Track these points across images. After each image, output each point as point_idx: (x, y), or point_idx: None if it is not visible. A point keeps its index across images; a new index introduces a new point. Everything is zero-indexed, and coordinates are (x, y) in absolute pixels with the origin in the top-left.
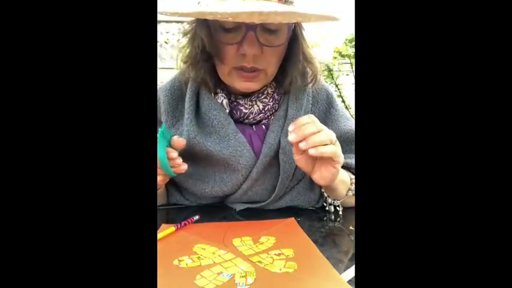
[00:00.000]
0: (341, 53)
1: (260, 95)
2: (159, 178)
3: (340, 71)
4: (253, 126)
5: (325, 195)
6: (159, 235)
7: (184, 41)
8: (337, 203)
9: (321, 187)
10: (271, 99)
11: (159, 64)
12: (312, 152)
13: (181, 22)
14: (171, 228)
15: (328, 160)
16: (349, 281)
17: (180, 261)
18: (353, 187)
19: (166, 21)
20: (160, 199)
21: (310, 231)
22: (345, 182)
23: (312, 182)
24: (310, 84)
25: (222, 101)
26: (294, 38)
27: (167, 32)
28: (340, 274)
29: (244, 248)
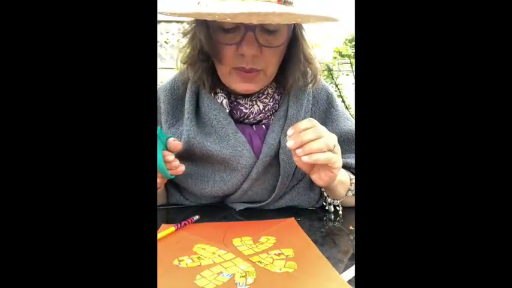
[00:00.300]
0: (341, 53)
1: (260, 95)
2: (157, 180)
3: (340, 71)
4: (254, 126)
5: (325, 194)
6: (159, 235)
7: (185, 41)
8: (336, 202)
9: (320, 187)
10: (271, 99)
11: (159, 64)
12: (305, 159)
13: (181, 22)
14: (171, 228)
15: (324, 165)
16: (349, 281)
17: (180, 261)
18: (353, 187)
19: (166, 21)
20: (160, 199)
21: (310, 231)
22: (344, 182)
23: (312, 182)
24: (310, 85)
25: (222, 101)
26: (294, 38)
27: (167, 32)
28: (340, 274)
29: (244, 248)
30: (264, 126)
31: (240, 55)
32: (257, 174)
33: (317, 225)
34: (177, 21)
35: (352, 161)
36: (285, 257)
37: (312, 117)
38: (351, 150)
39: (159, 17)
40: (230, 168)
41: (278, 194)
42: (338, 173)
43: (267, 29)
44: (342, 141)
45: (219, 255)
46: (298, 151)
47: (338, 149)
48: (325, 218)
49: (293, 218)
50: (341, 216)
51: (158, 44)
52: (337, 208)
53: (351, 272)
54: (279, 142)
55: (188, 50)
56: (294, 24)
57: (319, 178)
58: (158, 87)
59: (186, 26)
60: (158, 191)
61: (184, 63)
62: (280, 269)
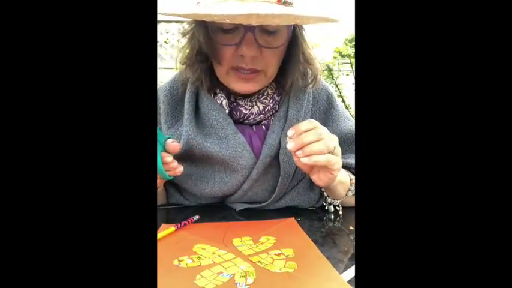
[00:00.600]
0: (341, 53)
1: (260, 95)
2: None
3: (340, 71)
4: (253, 127)
5: (325, 194)
6: (159, 235)
7: (184, 41)
8: (336, 202)
9: (320, 187)
10: (271, 100)
11: (159, 64)
12: (304, 161)
13: (181, 22)
14: (171, 228)
15: (324, 166)
16: (349, 281)
17: (180, 261)
18: (352, 187)
19: (166, 21)
20: (160, 199)
21: (310, 231)
22: (344, 183)
23: (312, 182)
24: (311, 85)
25: (222, 101)
26: (294, 38)
27: (167, 32)
28: (340, 274)
29: (244, 248)
30: (264, 126)
31: (239, 56)
32: (257, 175)
33: (317, 225)
34: (177, 21)
35: (352, 161)
36: (285, 257)
37: (312, 117)
38: (351, 150)
39: (159, 17)
40: (230, 169)
41: (278, 194)
42: (338, 174)
43: (266, 30)
44: (342, 141)
45: (219, 255)
46: (298, 153)
47: (338, 150)
48: (325, 218)
49: (293, 218)
50: (341, 216)
51: (158, 44)
52: (337, 208)
53: (351, 272)
54: (279, 143)
55: (187, 51)
56: (293, 24)
57: (318, 179)
58: (158, 87)
59: (186, 26)
60: (157, 191)
61: (183, 64)
62: (280, 269)
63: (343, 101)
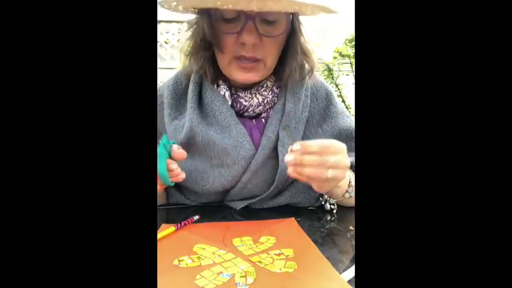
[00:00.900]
0: (341, 53)
1: (259, 88)
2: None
3: (340, 71)
4: (253, 120)
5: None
6: (159, 235)
7: (184, 38)
8: (332, 201)
9: None
10: (270, 92)
11: (159, 64)
12: (292, 175)
13: (181, 22)
14: (171, 228)
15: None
16: (349, 281)
17: (180, 261)
18: (350, 189)
19: (167, 21)
20: (159, 200)
21: (310, 231)
22: (341, 185)
23: None
24: (310, 81)
25: (225, 93)
26: (292, 32)
27: (167, 32)
28: (340, 274)
29: (244, 248)
30: (263, 120)
31: (240, 44)
32: (256, 166)
33: (317, 225)
34: (177, 21)
35: (352, 159)
36: (285, 257)
37: (311, 113)
38: (350, 147)
39: (159, 17)
40: (229, 160)
41: (277, 186)
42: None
43: (266, 20)
44: (341, 138)
45: (219, 255)
46: (289, 171)
47: (344, 163)
48: (325, 218)
49: (293, 218)
50: (335, 215)
51: (158, 44)
52: (332, 207)
53: (351, 272)
54: (277, 135)
55: (192, 41)
56: (292, 17)
57: (318, 187)
58: (160, 85)
59: (186, 26)
60: (157, 193)
61: (187, 55)
62: (280, 269)
63: (343, 101)
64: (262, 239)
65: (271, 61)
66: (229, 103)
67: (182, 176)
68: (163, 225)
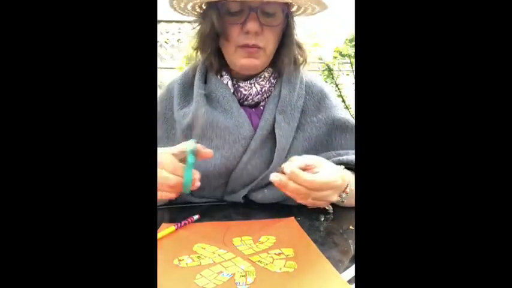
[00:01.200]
0: (341, 52)
1: (258, 78)
2: (171, 195)
3: (340, 70)
4: (253, 108)
5: None
6: (159, 235)
7: (185, 37)
8: (329, 207)
9: None
10: (267, 82)
11: (159, 64)
12: (273, 180)
13: (182, 22)
14: (171, 227)
15: None
16: (349, 281)
17: (180, 260)
18: (344, 195)
19: (167, 21)
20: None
21: (310, 231)
22: (338, 189)
23: None
24: (306, 77)
25: (227, 82)
26: (287, 27)
27: (167, 32)
28: (340, 274)
29: (244, 247)
30: (262, 107)
31: (244, 33)
32: (255, 147)
33: (317, 225)
34: (177, 21)
35: (349, 157)
36: (285, 257)
37: (306, 104)
38: (345, 138)
39: (159, 17)
40: (231, 140)
41: (275, 165)
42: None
43: (266, 12)
44: (335, 128)
45: (219, 255)
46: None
47: (321, 193)
48: (325, 218)
49: (293, 217)
50: (331, 215)
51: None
52: (326, 208)
53: (351, 272)
54: (274, 118)
55: (200, 34)
56: (287, 13)
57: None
58: (170, 81)
59: (186, 26)
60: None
61: (195, 49)
62: (280, 269)
63: (343, 101)
64: (262, 238)
65: (270, 48)
66: (232, 91)
67: (198, 184)
68: (163, 225)
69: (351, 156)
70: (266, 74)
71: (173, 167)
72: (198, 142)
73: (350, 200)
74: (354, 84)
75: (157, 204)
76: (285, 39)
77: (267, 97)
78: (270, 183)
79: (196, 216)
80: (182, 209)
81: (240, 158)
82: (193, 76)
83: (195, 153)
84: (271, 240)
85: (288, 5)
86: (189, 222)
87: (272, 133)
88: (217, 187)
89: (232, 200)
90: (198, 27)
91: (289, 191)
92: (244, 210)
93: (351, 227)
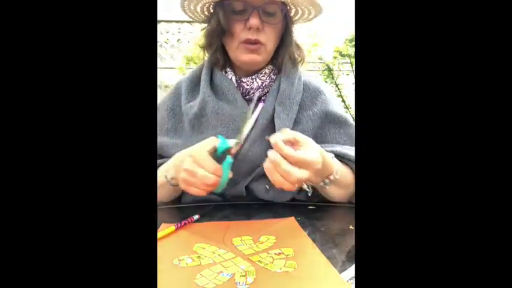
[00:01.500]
0: (341, 52)
1: (259, 74)
2: (203, 193)
3: (340, 70)
4: None
5: None
6: (159, 235)
7: (184, 37)
8: (308, 185)
9: None
10: (268, 78)
11: (159, 64)
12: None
13: (182, 22)
14: (171, 227)
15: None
16: (349, 281)
17: (180, 260)
18: (327, 181)
19: (167, 21)
20: (174, 194)
21: (310, 231)
22: (322, 174)
23: None
24: (304, 77)
25: (231, 77)
26: (286, 28)
27: (167, 32)
28: (340, 274)
29: (244, 247)
30: (263, 101)
31: (247, 30)
32: (255, 135)
33: (317, 224)
34: (177, 21)
35: (342, 150)
36: (285, 257)
37: (303, 100)
38: (339, 133)
39: (159, 17)
40: (234, 127)
41: None
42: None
43: (267, 11)
44: (328, 121)
45: (219, 255)
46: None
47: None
48: (325, 218)
49: (293, 217)
50: (310, 193)
51: (158, 44)
52: (307, 189)
53: (351, 272)
54: (274, 109)
55: (207, 31)
56: (285, 13)
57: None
58: (179, 80)
59: (186, 26)
60: (175, 188)
61: (202, 47)
62: (280, 269)
63: (343, 101)
64: (262, 238)
65: (270, 45)
66: (235, 85)
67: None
68: (163, 224)
69: (344, 149)
70: (267, 70)
71: (214, 167)
72: (238, 142)
73: (338, 191)
74: (354, 84)
75: (158, 203)
76: (284, 39)
77: (267, 92)
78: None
79: (196, 216)
80: (182, 209)
81: (242, 145)
82: (200, 73)
83: (230, 151)
84: (271, 240)
85: (286, 6)
86: (189, 222)
87: (272, 122)
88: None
89: (235, 194)
90: (206, 28)
91: (269, 160)
92: (244, 210)
93: (351, 227)
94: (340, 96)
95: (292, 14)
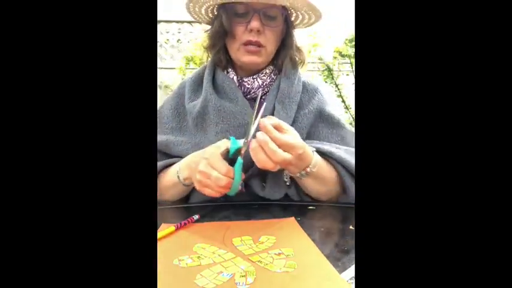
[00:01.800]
0: (341, 53)
1: (260, 74)
2: (216, 194)
3: (340, 71)
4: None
5: None
6: (159, 235)
7: (185, 38)
8: (287, 175)
9: None
10: (268, 78)
11: (159, 64)
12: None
13: (181, 22)
14: (171, 227)
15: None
16: (349, 281)
17: (180, 260)
18: (304, 172)
19: (166, 21)
20: (181, 193)
21: (310, 231)
22: (299, 158)
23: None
24: (304, 78)
25: (233, 77)
26: (287, 31)
27: (167, 32)
28: (340, 274)
29: (244, 247)
30: (263, 100)
31: (248, 32)
32: (255, 131)
33: (317, 224)
34: (177, 21)
35: (324, 146)
36: (285, 257)
37: (301, 100)
38: (331, 133)
39: (159, 17)
40: (235, 123)
41: None
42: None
43: (268, 15)
44: (321, 120)
45: (219, 255)
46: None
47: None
48: (325, 218)
49: (293, 217)
50: (288, 182)
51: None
52: (286, 180)
53: (350, 272)
54: (274, 107)
55: (211, 33)
56: (286, 16)
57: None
58: (182, 81)
59: (186, 26)
60: (186, 188)
61: (205, 48)
62: (280, 269)
63: (343, 101)
64: (262, 238)
65: (270, 48)
66: (237, 85)
67: (240, 188)
68: (163, 225)
69: (327, 146)
70: (267, 71)
71: (226, 169)
72: (245, 142)
73: (315, 185)
74: (354, 85)
75: (166, 202)
76: (285, 42)
77: (268, 91)
78: (268, 177)
79: (196, 216)
80: (182, 209)
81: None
82: (203, 74)
83: (240, 152)
84: (271, 240)
85: (287, 11)
86: (189, 222)
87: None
88: None
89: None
90: (210, 30)
91: (257, 140)
92: (244, 211)
93: (351, 227)
94: (340, 96)
95: (292, 19)
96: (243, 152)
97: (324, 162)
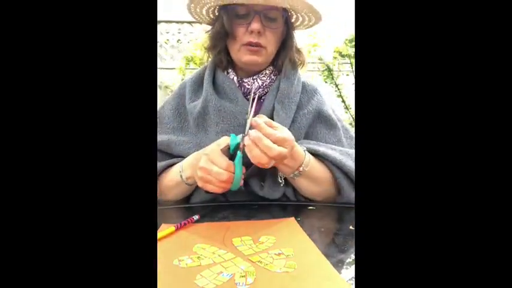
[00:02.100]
0: (341, 53)
1: (260, 74)
2: (219, 190)
3: (340, 71)
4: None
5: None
6: (159, 235)
7: (185, 38)
8: (281, 175)
9: None
10: (268, 78)
11: (159, 64)
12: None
13: (181, 22)
14: (171, 228)
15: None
16: (349, 281)
17: (180, 261)
18: (297, 172)
19: (166, 21)
20: (186, 192)
21: (310, 231)
22: (291, 167)
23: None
24: (303, 78)
25: (233, 78)
26: (287, 31)
27: (167, 32)
28: (340, 274)
29: (244, 247)
30: (263, 101)
31: (249, 33)
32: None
33: (317, 224)
34: (177, 22)
35: (316, 147)
36: (285, 257)
37: (300, 101)
38: (328, 134)
39: (159, 17)
40: (236, 123)
41: None
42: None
43: (268, 17)
44: (319, 121)
45: (219, 255)
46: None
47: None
48: (325, 217)
49: (293, 217)
50: (282, 183)
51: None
52: (280, 180)
53: (351, 272)
54: (273, 107)
55: (212, 34)
56: (286, 18)
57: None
58: (183, 81)
59: (186, 26)
60: (189, 187)
61: (206, 48)
62: (280, 269)
63: (343, 101)
64: (262, 238)
65: (271, 48)
66: (237, 85)
67: (242, 182)
68: (163, 225)
69: (322, 146)
70: (267, 71)
71: (226, 163)
72: (243, 137)
73: (309, 185)
74: (354, 85)
75: (167, 202)
76: (285, 43)
77: (268, 92)
78: (266, 176)
79: (196, 217)
80: (182, 209)
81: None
82: (203, 75)
83: (239, 147)
84: (271, 240)
85: (287, 12)
86: (189, 223)
87: (271, 118)
88: None
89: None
90: (211, 31)
91: (251, 137)
92: (244, 211)
93: (351, 227)
94: (340, 96)
95: (293, 20)
96: (241, 146)
97: (317, 162)
